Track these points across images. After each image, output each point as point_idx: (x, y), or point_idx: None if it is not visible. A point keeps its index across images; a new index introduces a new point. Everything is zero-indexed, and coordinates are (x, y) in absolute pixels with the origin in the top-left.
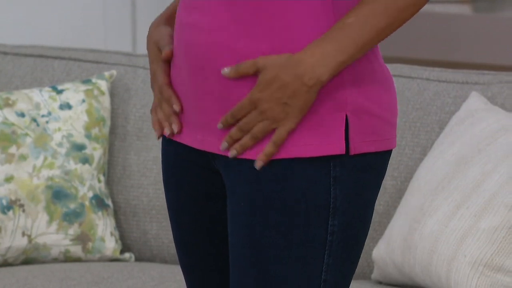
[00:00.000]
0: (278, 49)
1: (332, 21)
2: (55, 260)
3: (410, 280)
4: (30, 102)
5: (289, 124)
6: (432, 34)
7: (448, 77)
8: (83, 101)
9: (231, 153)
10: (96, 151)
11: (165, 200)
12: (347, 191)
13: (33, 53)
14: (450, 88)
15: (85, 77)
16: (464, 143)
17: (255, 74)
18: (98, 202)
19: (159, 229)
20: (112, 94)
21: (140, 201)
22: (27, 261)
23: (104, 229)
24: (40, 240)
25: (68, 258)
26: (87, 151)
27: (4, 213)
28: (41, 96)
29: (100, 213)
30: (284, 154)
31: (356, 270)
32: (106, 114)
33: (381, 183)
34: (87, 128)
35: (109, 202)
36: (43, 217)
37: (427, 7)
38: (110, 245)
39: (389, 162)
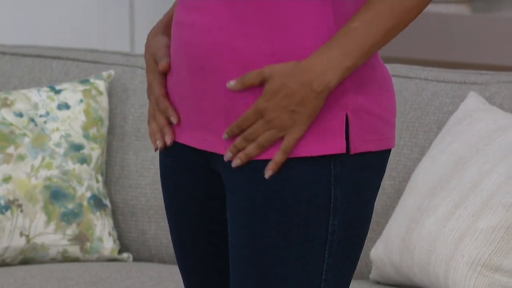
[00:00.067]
0: (278, 49)
1: (332, 21)
2: (53, 260)
3: (408, 280)
4: (28, 102)
5: (297, 131)
6: (430, 34)
7: (446, 77)
8: (81, 101)
9: (235, 163)
10: (94, 151)
11: (163, 200)
12: (347, 190)
13: (31, 53)
14: (448, 88)
15: (83, 77)
16: (462, 143)
17: (261, 84)
18: (96, 202)
19: (157, 229)
20: (110, 94)
21: (138, 201)
22: (25, 261)
23: (102, 229)
24: (38, 240)
25: (66, 258)
26: (85, 151)
27: (2, 213)
28: (39, 96)
29: (98, 213)
30: None
31: None
32: (104, 114)
33: (381, 183)
34: (85, 128)
35: (107, 202)
36: (41, 217)
37: None
38: (108, 245)
39: (387, 162)
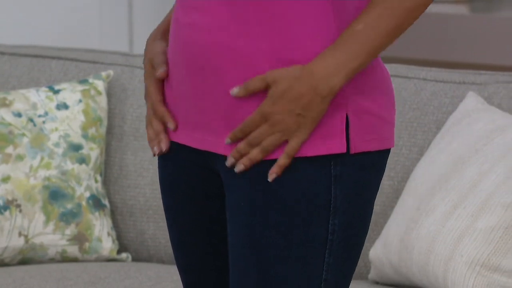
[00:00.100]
0: (278, 49)
1: (332, 21)
2: (52, 260)
3: (407, 280)
4: (27, 102)
5: (302, 135)
6: (429, 34)
7: (445, 77)
8: (80, 101)
9: (238, 168)
10: (93, 151)
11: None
12: (347, 190)
13: (30, 53)
14: (447, 88)
15: (82, 77)
16: (461, 143)
17: (265, 89)
18: (95, 202)
19: (156, 229)
20: (109, 94)
21: (137, 201)
22: (23, 261)
23: (101, 229)
24: (37, 240)
25: (65, 258)
26: (84, 151)
27: (0, 213)
28: (38, 96)
29: (97, 213)
30: None
31: None
32: (103, 114)
33: (380, 183)
34: (84, 128)
35: (106, 202)
36: (40, 217)
37: None
38: (107, 245)
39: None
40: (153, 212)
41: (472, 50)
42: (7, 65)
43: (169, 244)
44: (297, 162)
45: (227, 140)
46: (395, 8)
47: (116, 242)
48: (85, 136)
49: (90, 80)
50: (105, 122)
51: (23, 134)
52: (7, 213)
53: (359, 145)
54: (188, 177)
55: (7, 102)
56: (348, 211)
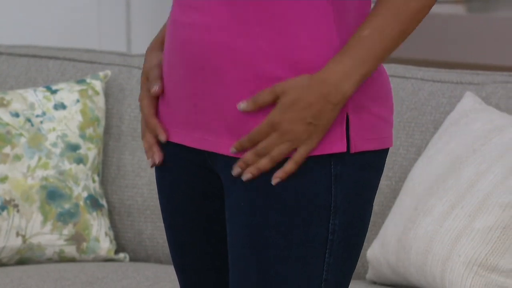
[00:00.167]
0: (278, 49)
1: (332, 21)
2: (49, 260)
3: (404, 280)
4: (25, 102)
5: (311, 143)
6: (426, 34)
7: (442, 77)
8: (78, 101)
9: (246, 177)
10: (90, 151)
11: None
12: (347, 190)
13: (28, 53)
14: (444, 88)
15: (79, 77)
16: (459, 143)
17: (274, 101)
18: (93, 202)
19: (154, 229)
20: (107, 94)
21: (135, 201)
22: (21, 261)
23: (98, 229)
24: (35, 240)
25: (62, 258)
26: (82, 151)
27: None
28: (36, 96)
29: (94, 213)
30: None
31: None
32: (101, 114)
33: (379, 182)
34: (82, 128)
35: (103, 202)
36: (38, 217)
37: None
38: (105, 245)
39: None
40: (151, 212)
41: (470, 50)
42: (5, 65)
43: (167, 244)
44: None
45: (232, 149)
46: (400, 11)
47: (114, 242)
48: (82, 136)
49: (88, 80)
50: (102, 122)
51: (21, 134)
52: (4, 213)
53: (359, 145)
54: (186, 177)
55: (4, 102)
56: (348, 211)
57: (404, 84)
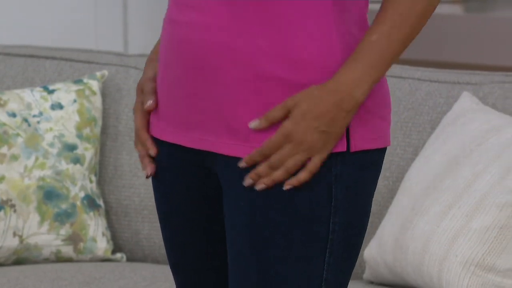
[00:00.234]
0: (278, 48)
1: (332, 21)
2: (46, 260)
3: (401, 280)
4: (22, 102)
5: (325, 152)
6: (424, 34)
7: (439, 77)
8: (75, 101)
9: (259, 187)
10: (87, 151)
11: None
12: (347, 189)
13: (25, 53)
14: (441, 88)
15: (76, 77)
16: (456, 143)
17: (286, 115)
18: (90, 202)
19: (151, 229)
20: (104, 94)
21: (132, 201)
22: (18, 261)
23: (95, 229)
24: (32, 240)
25: (59, 259)
26: (79, 151)
27: None
28: (33, 96)
29: (91, 213)
30: None
31: None
32: (98, 114)
33: (377, 182)
34: (79, 128)
35: (100, 202)
36: (35, 217)
37: None
38: (102, 245)
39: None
40: (148, 212)
41: (467, 50)
42: (2, 65)
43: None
44: None
45: (242, 163)
46: (407, 14)
47: (111, 242)
48: (79, 136)
49: (85, 80)
50: (99, 122)
51: (18, 134)
52: (1, 213)
53: (359, 144)
54: (183, 177)
55: (1, 102)
56: (349, 210)
57: (401, 84)
